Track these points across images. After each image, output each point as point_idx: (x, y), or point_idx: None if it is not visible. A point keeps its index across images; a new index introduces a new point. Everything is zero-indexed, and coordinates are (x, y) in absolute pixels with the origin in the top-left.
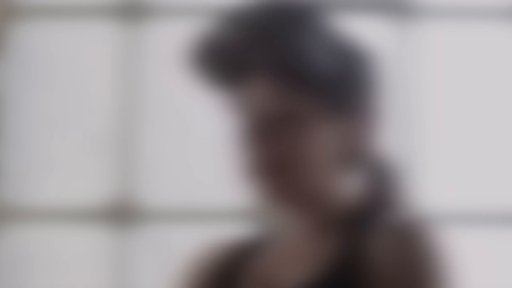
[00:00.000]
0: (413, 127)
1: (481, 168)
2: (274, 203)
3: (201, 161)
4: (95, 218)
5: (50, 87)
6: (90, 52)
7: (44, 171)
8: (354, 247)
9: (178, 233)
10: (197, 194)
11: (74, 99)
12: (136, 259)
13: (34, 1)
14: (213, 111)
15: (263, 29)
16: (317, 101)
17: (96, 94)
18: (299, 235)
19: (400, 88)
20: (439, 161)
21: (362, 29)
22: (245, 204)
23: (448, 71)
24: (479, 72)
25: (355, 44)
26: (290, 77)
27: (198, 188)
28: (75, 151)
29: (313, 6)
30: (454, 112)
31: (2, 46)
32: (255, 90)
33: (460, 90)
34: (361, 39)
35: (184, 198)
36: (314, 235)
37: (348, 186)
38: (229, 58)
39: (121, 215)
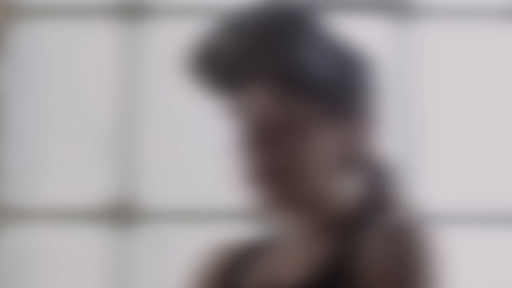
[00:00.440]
0: (413, 128)
1: (480, 168)
2: (274, 207)
3: (201, 161)
4: (95, 218)
5: (50, 87)
6: (90, 52)
7: (44, 171)
8: (352, 250)
9: (178, 233)
10: (196, 194)
11: (74, 99)
12: (136, 259)
13: (34, 1)
14: (212, 111)
15: (262, 35)
16: (316, 106)
17: (96, 94)
18: (298, 237)
19: (400, 89)
20: (438, 161)
21: (362, 30)
22: (245, 205)
23: (448, 71)
24: (479, 72)
25: (354, 48)
26: (289, 83)
27: (198, 188)
28: (75, 151)
29: (312, 11)
30: (454, 113)
31: (2, 46)
32: (254, 96)
33: (460, 90)
34: (360, 43)
35: (184, 198)
36: (314, 238)
37: (346, 190)
38: (227, 64)
39: (121, 215)
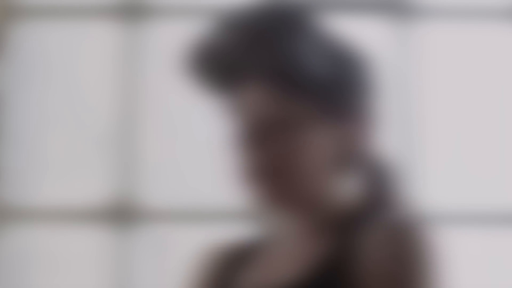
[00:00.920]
0: (413, 128)
1: (480, 169)
2: (270, 206)
3: (200, 161)
4: (95, 218)
5: (50, 87)
6: (90, 52)
7: (43, 171)
8: (350, 249)
9: (178, 233)
10: (196, 194)
11: (73, 99)
12: (136, 259)
13: (34, 1)
14: (211, 111)
15: (259, 33)
16: (313, 105)
17: (95, 94)
18: (296, 236)
19: (400, 89)
20: (438, 161)
21: (361, 30)
22: (243, 205)
23: (448, 71)
24: (479, 72)
25: (351, 47)
26: (286, 82)
27: (198, 188)
28: (75, 151)
29: (309, 10)
30: (454, 113)
31: (2, 46)
32: (251, 95)
33: (460, 90)
34: (357, 42)
35: (184, 198)
36: (311, 237)
37: (344, 189)
38: (224, 62)
39: (121, 215)
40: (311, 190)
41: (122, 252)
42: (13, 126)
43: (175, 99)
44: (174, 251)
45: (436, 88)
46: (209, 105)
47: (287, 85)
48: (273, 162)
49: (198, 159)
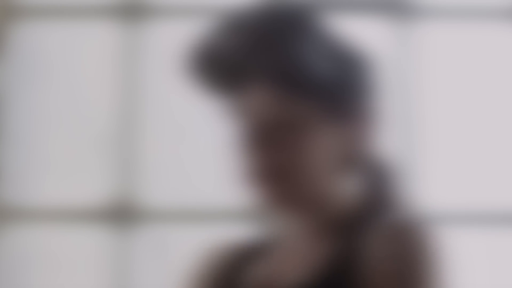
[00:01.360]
0: (413, 128)
1: (480, 168)
2: (274, 207)
3: (201, 161)
4: (95, 218)
5: (49, 87)
6: (90, 52)
7: (44, 171)
8: (353, 250)
9: (178, 233)
10: (196, 194)
11: (74, 99)
12: (136, 259)
13: (34, 1)
14: (212, 111)
15: (262, 35)
16: (316, 106)
17: (96, 94)
18: (299, 237)
19: (400, 89)
20: (439, 161)
21: (362, 30)
22: (245, 205)
23: (448, 71)
24: (479, 72)
25: (354, 48)
26: (289, 83)
27: (198, 188)
28: (75, 151)
29: (312, 11)
30: (454, 113)
31: (2, 46)
32: (254, 96)
33: (460, 90)
34: (360, 43)
35: (184, 198)
36: (314, 238)
37: (347, 190)
38: (227, 64)
39: (121, 215)
40: (314, 191)
41: (122, 252)
42: (13, 126)
43: (175, 99)
44: (174, 251)
45: (436, 88)
46: (212, 106)
47: (290, 86)
48: (276, 163)
49: (198, 159)
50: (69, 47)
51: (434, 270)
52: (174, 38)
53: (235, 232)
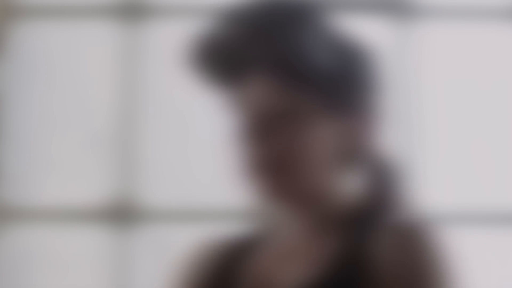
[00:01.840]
0: (413, 127)
1: (480, 168)
2: (273, 201)
3: (200, 161)
4: (95, 218)
5: (50, 87)
6: (90, 52)
7: (44, 171)
8: (353, 246)
9: (178, 233)
10: (196, 193)
11: (74, 99)
12: (136, 259)
13: (34, 1)
14: (212, 110)
15: (262, 27)
16: (316, 99)
17: (96, 94)
18: (298, 234)
19: (400, 88)
20: (439, 161)
21: (362, 29)
22: (244, 203)
23: (448, 71)
24: (479, 72)
25: (355, 42)
26: (289, 75)
27: (198, 188)
28: (75, 151)
29: (313, 4)
30: (454, 112)
31: (2, 46)
32: (254, 88)
33: (460, 90)
34: (361, 38)
35: (184, 198)
36: (313, 234)
37: (347, 185)
38: (228, 56)
39: (121, 215)
40: (313, 184)
41: (122, 252)
42: (13, 126)
43: (175, 99)
44: (174, 251)
45: (436, 88)
46: (212, 101)
47: (290, 78)
48: (276, 156)
49: (199, 159)
50: (69, 47)
51: (437, 269)
52: (174, 38)
53: (234, 230)
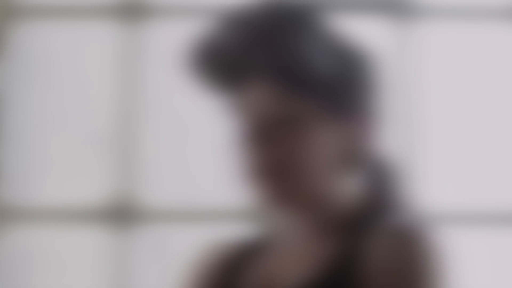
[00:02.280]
0: (413, 127)
1: (480, 168)
2: (274, 205)
3: (200, 161)
4: (95, 218)
5: (50, 87)
6: (90, 52)
7: (44, 171)
8: (353, 249)
9: (178, 233)
10: (196, 194)
11: (74, 99)
12: (136, 259)
13: (34, 1)
14: (212, 111)
15: (263, 32)
16: (317, 104)
17: (96, 94)
18: (299, 236)
19: (400, 89)
20: (439, 161)
21: (362, 30)
22: (245, 204)
23: (448, 71)
24: (479, 72)
25: (355, 46)
26: (289, 80)
27: (198, 188)
28: (75, 151)
29: (312, 8)
30: (454, 112)
31: (2, 46)
32: (255, 93)
33: (460, 90)
34: (361, 41)
35: (184, 198)
36: (314, 237)
37: (348, 188)
38: (228, 61)
39: (121, 215)
40: (314, 189)
41: (122, 252)
42: (13, 126)
43: (175, 99)
44: (174, 251)
45: (436, 88)
46: (212, 104)
47: (291, 83)
48: (276, 160)
49: (198, 159)
50: (69, 47)
51: (435, 270)
52: (174, 38)
53: (235, 232)
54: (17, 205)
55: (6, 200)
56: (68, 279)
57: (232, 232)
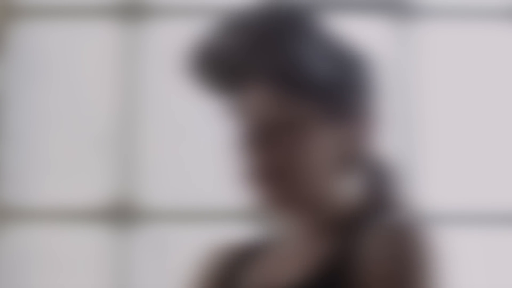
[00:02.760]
0: (413, 128)
1: (480, 168)
2: (273, 207)
3: (200, 161)
4: (95, 218)
5: (49, 87)
6: (90, 52)
7: (44, 171)
8: (352, 250)
9: (178, 233)
10: (196, 194)
11: (73, 99)
12: (136, 259)
13: (34, 1)
14: (212, 111)
15: (262, 35)
16: (316, 106)
17: (96, 94)
18: (298, 237)
19: (400, 89)
20: (438, 161)
21: (362, 30)
22: (245, 205)
23: (448, 71)
24: (479, 72)
25: (353, 48)
26: (288, 83)
27: (198, 188)
28: (75, 151)
29: (311, 11)
30: (454, 113)
31: (2, 46)
32: (254, 96)
33: (460, 90)
34: (359, 43)
35: (184, 198)
36: (313, 238)
37: (346, 190)
38: (227, 64)
39: (121, 215)
40: (313, 191)
41: (122, 252)
42: (13, 126)
43: (175, 99)
44: (174, 251)
45: (436, 88)
46: (211, 106)
47: (290, 86)
48: (275, 163)
49: (198, 159)
50: (69, 47)
51: (431, 271)
52: (174, 38)
53: (235, 232)
54: (16, 205)
55: (5, 200)
56: (68, 279)
57: (231, 233)
